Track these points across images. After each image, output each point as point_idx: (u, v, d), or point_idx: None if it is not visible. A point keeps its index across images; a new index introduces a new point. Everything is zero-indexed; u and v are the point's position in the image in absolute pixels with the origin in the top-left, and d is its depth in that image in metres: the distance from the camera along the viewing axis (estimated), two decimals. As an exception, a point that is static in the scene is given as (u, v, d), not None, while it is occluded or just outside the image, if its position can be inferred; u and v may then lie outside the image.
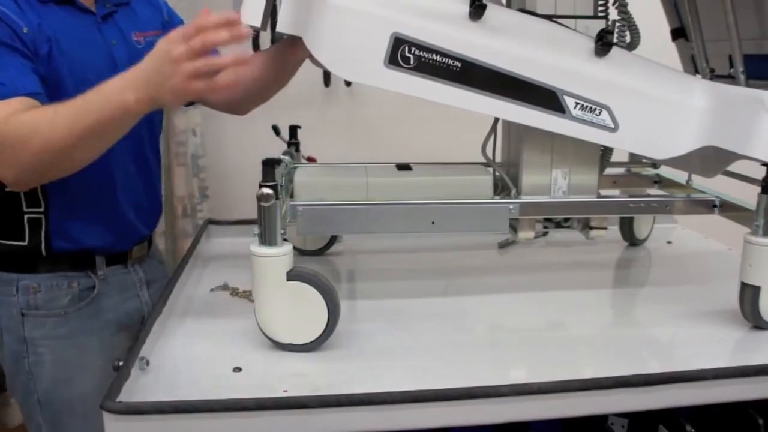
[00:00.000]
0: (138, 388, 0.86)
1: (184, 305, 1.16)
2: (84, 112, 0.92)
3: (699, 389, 0.90)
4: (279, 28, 1.00)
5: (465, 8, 0.99)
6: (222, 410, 0.80)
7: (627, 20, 1.09)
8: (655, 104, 1.05)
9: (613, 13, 1.11)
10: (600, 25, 1.09)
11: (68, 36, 1.05)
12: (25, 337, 1.14)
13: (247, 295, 1.20)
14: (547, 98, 1.02)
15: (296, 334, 0.98)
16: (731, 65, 1.25)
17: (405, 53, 0.97)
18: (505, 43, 1.00)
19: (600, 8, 1.11)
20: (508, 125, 1.20)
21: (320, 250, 1.44)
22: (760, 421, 0.96)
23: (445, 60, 0.98)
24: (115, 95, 0.91)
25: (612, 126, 1.04)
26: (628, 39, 1.11)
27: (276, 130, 1.44)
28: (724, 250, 1.50)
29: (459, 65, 0.98)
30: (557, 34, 1.05)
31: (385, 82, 0.97)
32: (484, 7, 0.98)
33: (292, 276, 0.96)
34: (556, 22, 1.07)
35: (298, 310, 0.97)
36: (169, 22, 1.28)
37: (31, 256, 1.11)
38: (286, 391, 0.86)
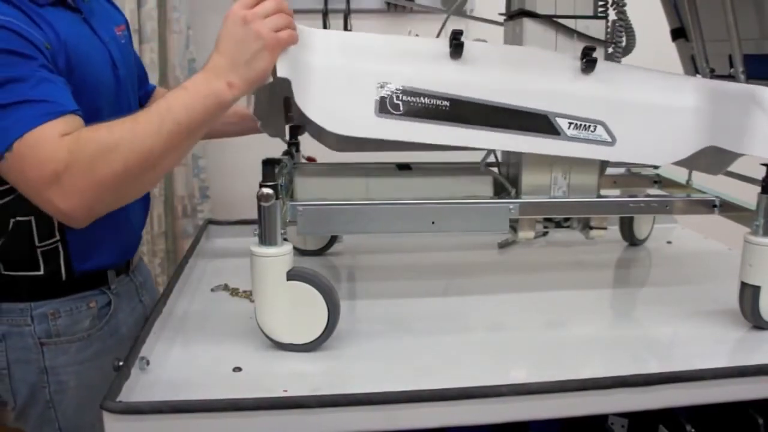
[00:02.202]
0: (138, 388, 0.86)
1: (184, 305, 1.16)
2: (170, 113, 0.86)
3: (699, 389, 0.90)
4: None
5: (445, 48, 1.01)
6: (222, 410, 0.80)
7: (624, 22, 1.09)
8: (650, 111, 1.06)
9: (612, 14, 1.12)
10: (600, 25, 1.09)
11: (73, 39, 1.01)
12: (45, 367, 1.09)
13: (247, 295, 1.20)
14: (539, 123, 1.03)
15: (296, 334, 0.98)
16: (731, 65, 1.25)
17: (393, 101, 0.98)
18: (489, 76, 1.02)
19: (600, 8, 1.11)
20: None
21: (320, 250, 1.44)
22: (760, 421, 0.96)
23: (434, 101, 0.99)
24: (202, 88, 0.87)
25: (609, 140, 1.05)
26: (624, 42, 1.11)
27: None
28: (724, 250, 1.50)
29: (448, 104, 1.00)
30: (540, 57, 1.06)
31: (379, 132, 0.98)
32: (461, 45, 1.00)
33: (292, 276, 0.96)
34: (555, 22, 1.07)
35: (298, 310, 0.97)
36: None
37: (47, 283, 1.08)
38: (285, 391, 0.86)
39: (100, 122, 0.97)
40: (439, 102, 0.99)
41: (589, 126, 1.03)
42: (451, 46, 1.00)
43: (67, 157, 0.85)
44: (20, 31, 0.91)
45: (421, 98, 0.99)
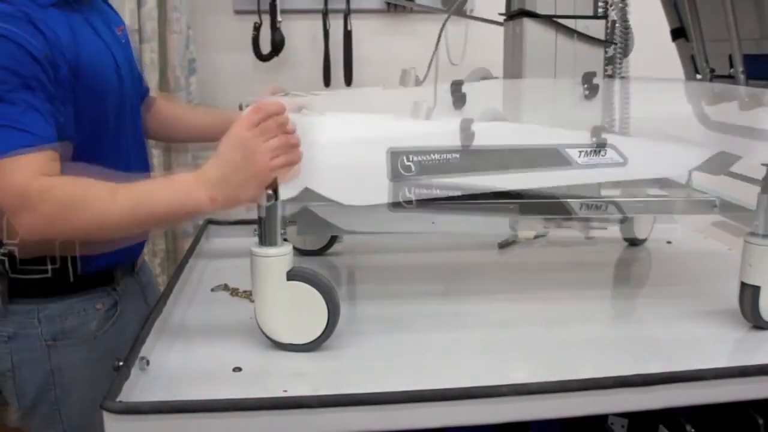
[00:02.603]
0: (138, 388, 0.86)
1: (184, 305, 1.16)
2: (149, 201, 0.89)
3: (699, 389, 0.90)
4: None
5: (448, 99, 1.02)
6: (221, 410, 0.80)
7: (625, 22, 1.09)
8: (657, 125, 1.06)
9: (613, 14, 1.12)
10: (600, 25, 1.09)
11: (76, 40, 0.99)
12: (52, 368, 1.09)
13: (247, 295, 1.20)
14: (549, 157, 1.03)
15: (296, 334, 0.98)
16: (731, 65, 1.25)
17: (405, 163, 0.99)
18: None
19: (600, 8, 1.11)
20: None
21: (320, 250, 1.44)
22: (760, 421, 0.96)
23: (443, 156, 1.00)
24: (188, 191, 0.89)
25: (621, 160, 1.05)
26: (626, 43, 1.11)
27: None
28: (724, 250, 1.50)
29: (458, 156, 1.00)
30: (542, 87, 1.07)
31: (394, 196, 0.99)
32: (464, 96, 1.00)
33: (292, 276, 0.96)
34: (555, 22, 1.07)
35: (298, 310, 0.97)
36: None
37: (54, 283, 1.07)
38: (285, 391, 0.86)
39: (107, 124, 1.04)
40: (448, 155, 1.00)
41: (599, 150, 1.04)
42: (453, 95, 1.01)
43: (34, 198, 0.87)
44: (21, 41, 0.90)
45: (431, 155, 1.00)
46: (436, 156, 0.99)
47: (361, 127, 1.01)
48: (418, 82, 1.18)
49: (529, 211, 1.09)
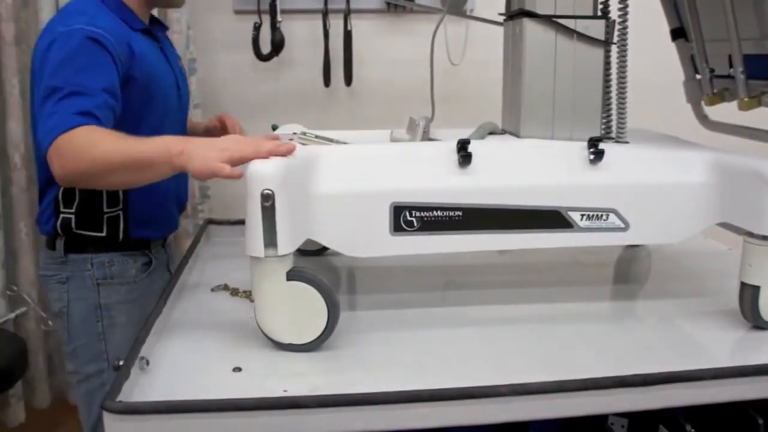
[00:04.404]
0: (138, 388, 0.86)
1: (184, 305, 1.16)
2: (143, 144, 1.05)
3: (699, 389, 0.90)
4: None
5: (453, 157, 1.03)
6: (221, 410, 0.80)
7: (625, 23, 1.09)
8: (661, 192, 1.07)
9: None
10: (600, 25, 1.08)
11: (149, 59, 1.31)
12: (99, 303, 1.36)
13: (247, 295, 1.20)
14: (552, 219, 1.04)
15: (296, 334, 0.98)
16: (731, 65, 1.25)
17: (407, 218, 1.01)
18: (498, 179, 1.04)
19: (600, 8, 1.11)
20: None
21: (320, 250, 1.44)
22: (760, 421, 0.96)
23: (446, 213, 1.02)
24: (168, 141, 1.05)
25: (622, 226, 1.06)
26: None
27: (275, 129, 1.44)
28: (724, 250, 1.50)
29: (460, 214, 1.02)
30: (548, 150, 1.07)
31: (395, 249, 1.02)
32: (470, 156, 1.02)
33: (292, 276, 0.96)
34: (555, 22, 1.07)
35: (298, 310, 0.97)
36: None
37: (106, 241, 1.34)
38: (285, 391, 0.86)
39: (165, 129, 1.31)
40: (451, 213, 1.02)
41: (602, 215, 1.05)
42: (459, 153, 1.02)
43: (61, 143, 1.09)
44: (107, 44, 1.18)
45: (434, 212, 1.01)
46: (439, 213, 1.01)
47: (362, 167, 1.02)
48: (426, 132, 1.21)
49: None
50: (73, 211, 1.33)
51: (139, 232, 1.38)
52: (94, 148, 1.07)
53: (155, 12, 1.49)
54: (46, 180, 1.32)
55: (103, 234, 1.34)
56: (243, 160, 0.97)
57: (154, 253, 1.43)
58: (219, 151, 0.98)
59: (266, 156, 0.95)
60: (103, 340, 1.36)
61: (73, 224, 1.33)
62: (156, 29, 1.42)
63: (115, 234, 1.35)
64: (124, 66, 1.22)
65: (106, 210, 1.33)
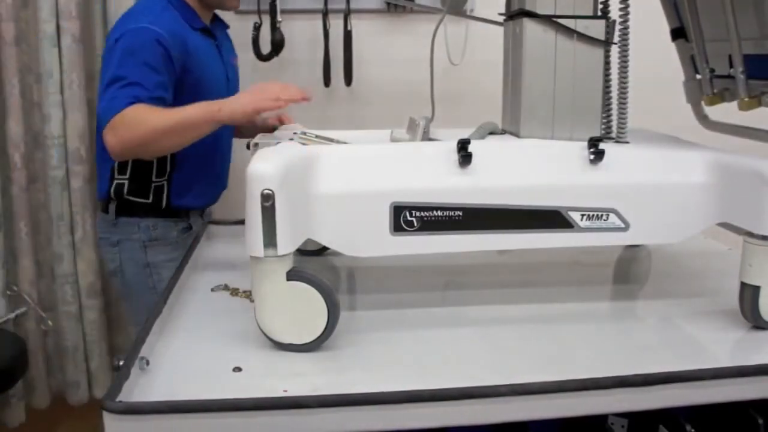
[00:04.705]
0: (138, 388, 0.86)
1: (184, 305, 1.16)
2: (184, 111, 1.32)
3: (699, 389, 0.90)
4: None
5: (453, 157, 1.02)
6: (221, 410, 0.80)
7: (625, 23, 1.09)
8: (661, 192, 1.07)
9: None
10: (600, 25, 1.08)
11: (203, 57, 1.53)
12: (148, 262, 1.60)
13: (247, 295, 1.20)
14: (552, 219, 1.04)
15: (296, 334, 0.98)
16: (731, 65, 1.25)
17: (407, 218, 1.01)
18: (499, 179, 1.04)
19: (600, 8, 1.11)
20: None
21: (320, 250, 1.44)
22: (760, 421, 0.96)
23: (446, 213, 1.02)
24: (207, 105, 1.33)
25: (623, 226, 1.06)
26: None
27: (275, 129, 1.44)
28: (724, 250, 1.50)
29: (460, 214, 1.02)
30: (548, 150, 1.07)
31: (395, 249, 1.02)
32: (470, 156, 1.01)
33: (292, 276, 0.96)
34: (555, 22, 1.07)
35: (298, 310, 0.97)
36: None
37: (151, 207, 1.59)
38: (285, 391, 0.86)
39: None
40: (451, 213, 1.02)
41: (602, 215, 1.05)
42: (459, 153, 1.02)
43: (115, 122, 1.34)
44: (165, 43, 1.40)
45: (434, 212, 1.01)
46: (439, 213, 1.01)
47: (362, 167, 1.02)
48: (426, 132, 1.20)
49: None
50: (126, 177, 1.57)
51: (179, 201, 1.61)
52: (145, 119, 1.31)
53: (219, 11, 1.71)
54: (104, 150, 1.45)
55: (149, 201, 1.58)
56: (272, 98, 1.27)
57: (192, 220, 1.66)
58: (250, 93, 1.28)
59: (288, 99, 1.29)
60: (155, 292, 1.56)
61: (125, 190, 1.57)
62: (216, 27, 1.65)
63: (159, 201, 1.59)
64: (179, 61, 1.44)
65: (154, 180, 1.57)
